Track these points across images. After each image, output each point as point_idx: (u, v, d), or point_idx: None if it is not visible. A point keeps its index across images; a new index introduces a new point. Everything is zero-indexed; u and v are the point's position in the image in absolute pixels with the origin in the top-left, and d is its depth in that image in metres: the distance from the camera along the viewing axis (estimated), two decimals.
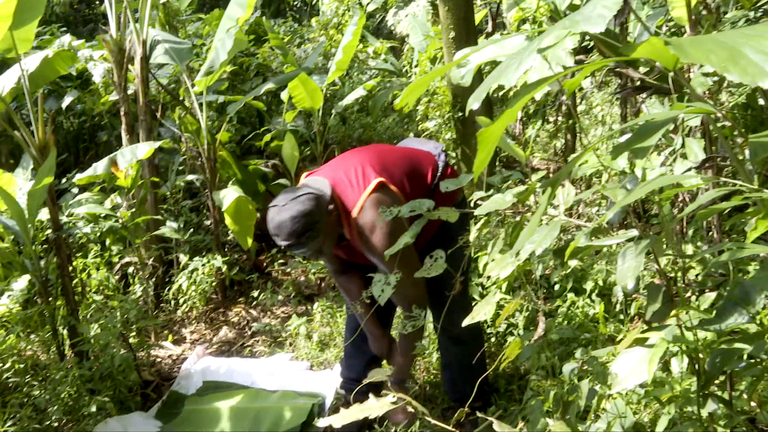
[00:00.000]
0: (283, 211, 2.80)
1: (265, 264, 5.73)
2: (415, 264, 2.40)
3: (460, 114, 5.70)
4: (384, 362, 3.29)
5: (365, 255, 2.98)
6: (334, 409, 3.78)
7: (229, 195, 4.83)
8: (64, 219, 4.84)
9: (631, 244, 1.70)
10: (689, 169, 2.85)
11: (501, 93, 6.19)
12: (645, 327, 2.00)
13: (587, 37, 3.93)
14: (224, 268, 5.16)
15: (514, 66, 1.45)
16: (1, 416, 3.48)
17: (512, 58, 1.49)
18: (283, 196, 2.86)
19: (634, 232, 1.75)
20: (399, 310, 3.70)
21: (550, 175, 6.38)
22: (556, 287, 4.03)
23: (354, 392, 3.18)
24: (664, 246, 2.06)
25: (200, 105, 5.19)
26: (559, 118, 6.71)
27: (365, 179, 2.90)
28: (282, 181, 5.94)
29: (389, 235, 2.80)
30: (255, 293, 5.21)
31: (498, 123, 1.35)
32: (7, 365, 3.73)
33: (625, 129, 2.75)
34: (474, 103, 1.48)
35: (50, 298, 3.94)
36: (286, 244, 2.83)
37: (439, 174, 3.08)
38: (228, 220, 4.97)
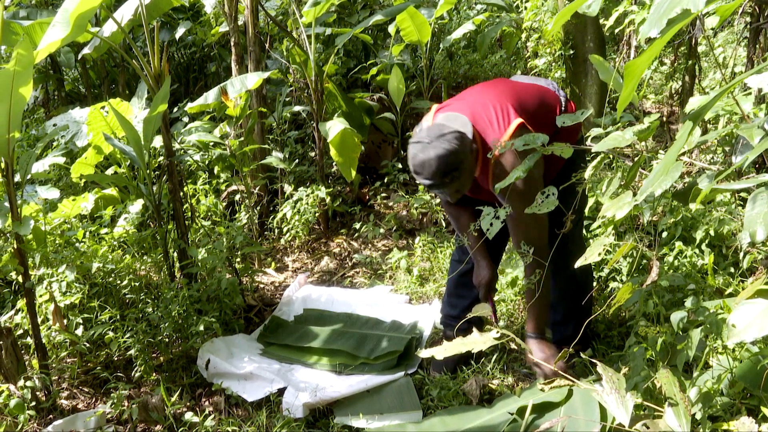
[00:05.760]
0: (428, 149, 2.65)
1: (367, 197, 5.78)
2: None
3: (572, 52, 5.50)
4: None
5: (492, 194, 2.81)
6: (432, 343, 3.81)
7: (335, 127, 4.85)
8: (176, 146, 5.00)
9: (762, 189, 1.59)
10: None
11: (617, 30, 5.92)
12: None
13: None
14: (327, 199, 5.23)
15: None
16: (121, 328, 3.72)
17: None
18: (428, 132, 2.70)
19: (767, 177, 1.63)
20: (509, 246, 3.63)
21: (664, 119, 6.09)
22: (664, 234, 3.86)
23: (456, 328, 3.16)
24: None
25: (308, 37, 5.20)
26: (677, 60, 6.37)
27: (506, 119, 2.75)
28: (387, 114, 5.92)
29: (529, 178, 2.62)
30: (357, 225, 5.27)
31: (645, 54, 1.28)
32: (125, 282, 3.95)
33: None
34: (652, 30, 1.37)
35: (162, 222, 4.10)
36: (428, 183, 2.70)
37: (563, 110, 2.94)
38: (333, 152, 5.01)
